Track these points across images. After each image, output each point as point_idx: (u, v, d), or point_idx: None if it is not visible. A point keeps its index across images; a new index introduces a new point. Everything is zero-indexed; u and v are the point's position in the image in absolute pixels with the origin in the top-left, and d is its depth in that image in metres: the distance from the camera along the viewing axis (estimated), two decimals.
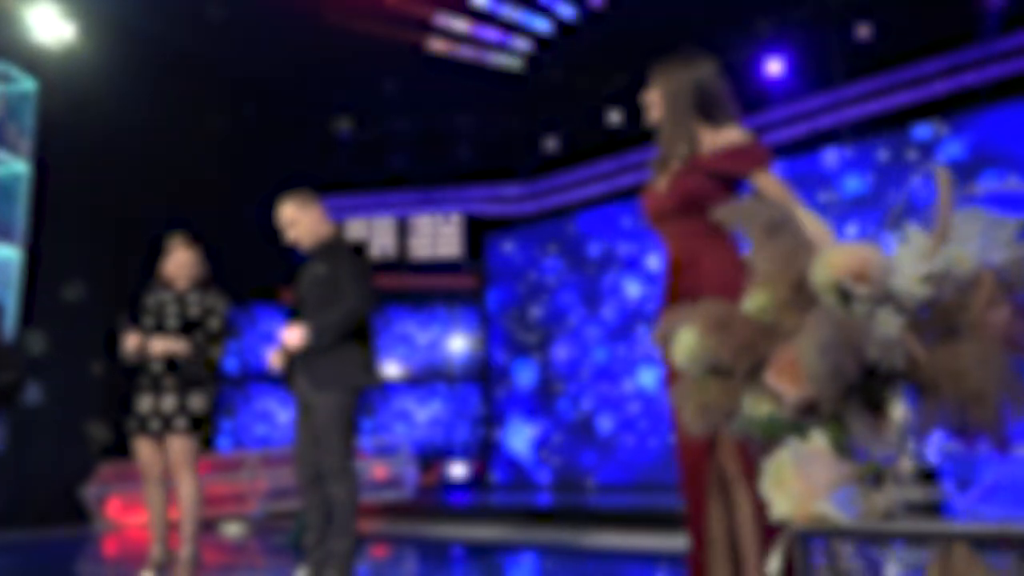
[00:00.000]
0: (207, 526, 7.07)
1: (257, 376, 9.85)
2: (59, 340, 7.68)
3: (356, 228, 10.90)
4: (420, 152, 10.58)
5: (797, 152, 8.23)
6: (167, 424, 3.67)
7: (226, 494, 7.70)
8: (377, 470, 8.10)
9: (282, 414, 9.82)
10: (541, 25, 8.64)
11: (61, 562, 5.30)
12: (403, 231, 10.81)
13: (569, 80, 9.69)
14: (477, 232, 10.49)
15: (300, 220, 3.47)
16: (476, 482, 9.69)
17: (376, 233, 10.82)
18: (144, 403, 3.70)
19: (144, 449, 3.71)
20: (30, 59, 7.63)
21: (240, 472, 7.85)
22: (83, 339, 7.94)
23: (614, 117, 9.59)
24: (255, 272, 9.92)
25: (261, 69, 9.30)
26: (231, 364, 9.89)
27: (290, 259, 10.57)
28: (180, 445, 3.67)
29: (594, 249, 9.52)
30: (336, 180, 10.78)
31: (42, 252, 7.53)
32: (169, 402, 3.68)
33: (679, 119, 2.21)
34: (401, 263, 10.62)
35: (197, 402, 3.71)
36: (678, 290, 2.15)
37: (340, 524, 3.23)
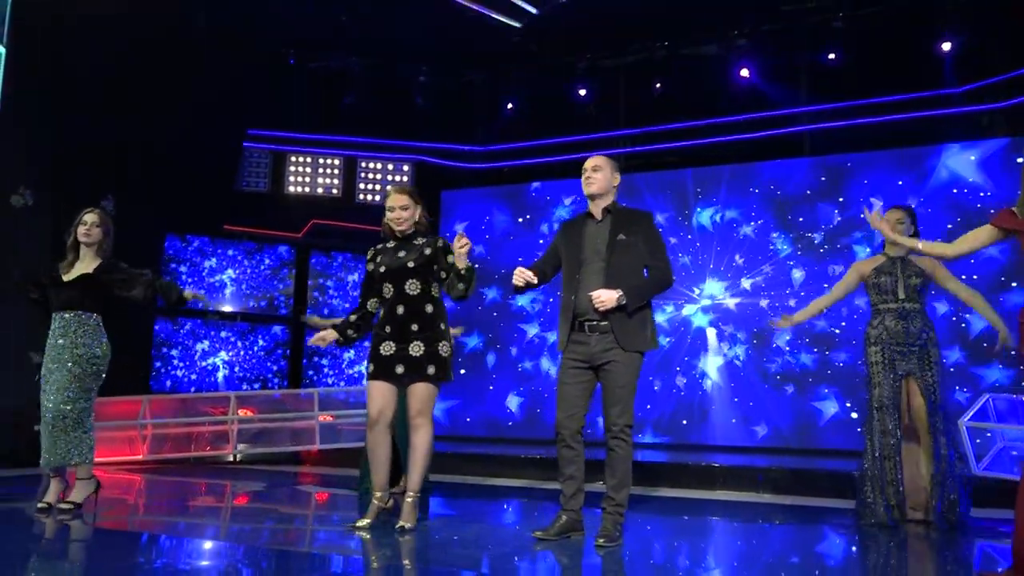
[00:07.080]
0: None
1: (192, 313, 9.45)
2: None
3: (301, 161, 10.50)
4: (376, 94, 10.30)
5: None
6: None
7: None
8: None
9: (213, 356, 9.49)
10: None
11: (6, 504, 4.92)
12: (351, 172, 10.55)
13: (538, 48, 9.79)
14: (429, 184, 10.36)
15: (601, 169, 3.80)
16: None
17: (321, 171, 10.49)
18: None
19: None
20: None
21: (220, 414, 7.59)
22: (25, 247, 7.25)
23: (581, 92, 9.86)
24: (197, 200, 9.36)
25: None
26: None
27: (228, 190, 9.91)
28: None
29: (543, 217, 9.78)
30: (285, 112, 10.31)
31: None
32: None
33: None
34: (347, 206, 10.39)
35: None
36: None
37: (621, 476, 3.59)
